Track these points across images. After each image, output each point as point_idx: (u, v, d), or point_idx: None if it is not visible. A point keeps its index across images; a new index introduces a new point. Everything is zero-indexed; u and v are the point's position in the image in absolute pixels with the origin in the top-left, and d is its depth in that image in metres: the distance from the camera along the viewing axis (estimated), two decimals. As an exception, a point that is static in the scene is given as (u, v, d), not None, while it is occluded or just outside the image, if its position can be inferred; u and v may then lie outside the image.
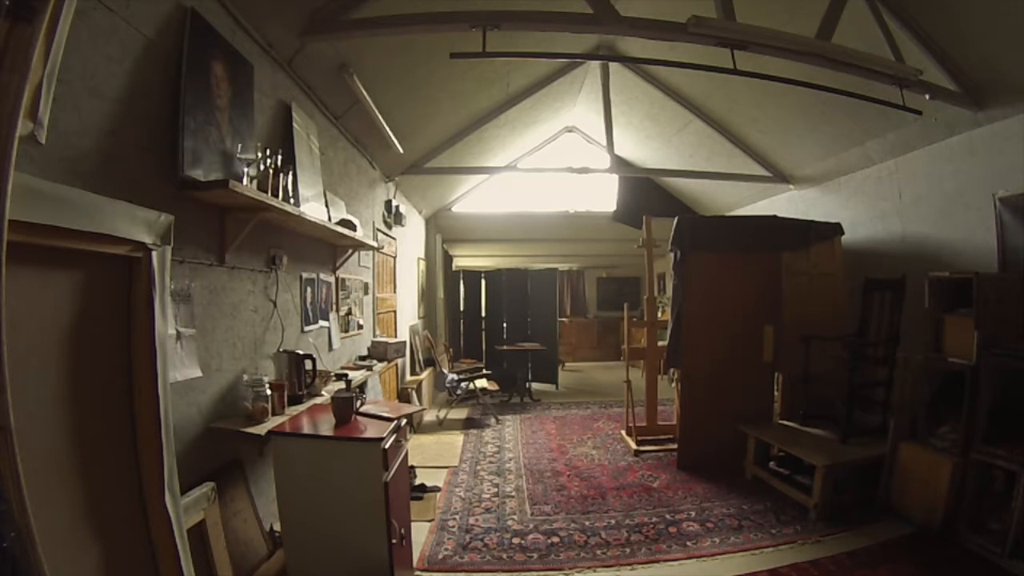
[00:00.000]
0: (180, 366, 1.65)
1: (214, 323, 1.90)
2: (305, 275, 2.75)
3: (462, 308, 7.61)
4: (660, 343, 4.24)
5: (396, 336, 4.99)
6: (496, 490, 3.37)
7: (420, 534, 2.67)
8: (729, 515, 2.91)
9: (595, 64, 4.81)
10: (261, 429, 1.86)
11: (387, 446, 1.90)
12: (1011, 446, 2.37)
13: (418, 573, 2.35)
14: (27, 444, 0.72)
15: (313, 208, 2.61)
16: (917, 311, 3.02)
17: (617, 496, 3.23)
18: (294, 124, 2.55)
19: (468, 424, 5.16)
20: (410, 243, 5.96)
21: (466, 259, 9.22)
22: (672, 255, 3.76)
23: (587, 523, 2.85)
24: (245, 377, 2.04)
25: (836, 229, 3.99)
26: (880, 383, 3.26)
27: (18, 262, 0.73)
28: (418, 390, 5.21)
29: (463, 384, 5.49)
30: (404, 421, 2.23)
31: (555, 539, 2.67)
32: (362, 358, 3.54)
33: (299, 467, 1.87)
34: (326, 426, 1.98)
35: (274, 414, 2.01)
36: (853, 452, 3.02)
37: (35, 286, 0.84)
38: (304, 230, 2.54)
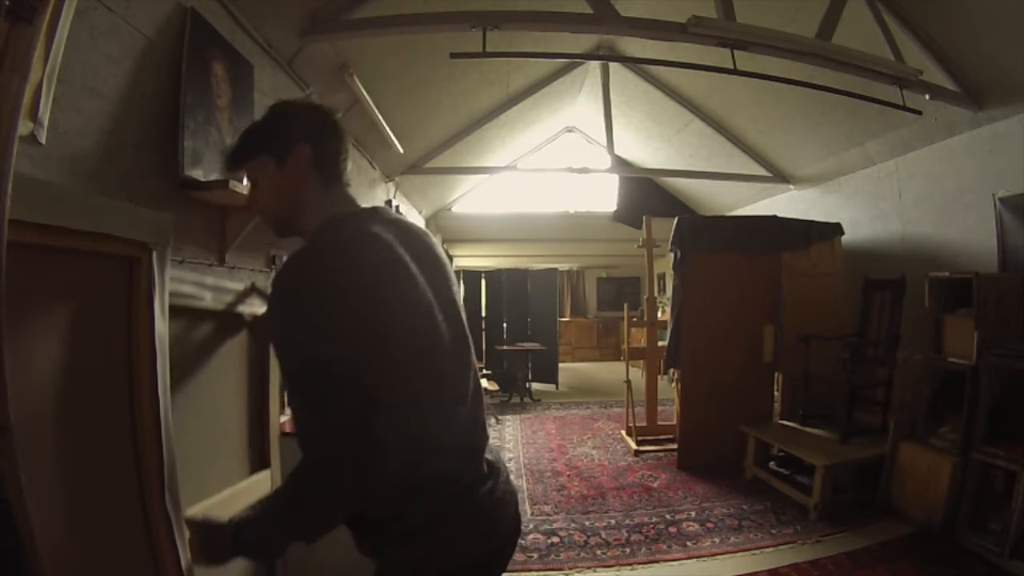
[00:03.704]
0: (180, 366, 1.64)
1: (214, 323, 1.89)
2: (305, 275, 2.74)
3: (462, 308, 7.60)
4: (660, 343, 4.24)
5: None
6: (496, 490, 3.37)
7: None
8: (729, 515, 2.91)
9: (595, 64, 4.82)
10: (261, 429, 1.86)
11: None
12: (1011, 446, 2.36)
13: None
14: (27, 444, 0.72)
15: (313, 208, 2.61)
16: (917, 311, 3.02)
17: (617, 496, 3.23)
18: (294, 124, 2.55)
19: (468, 424, 5.15)
20: (410, 243, 5.94)
21: (466, 259, 9.22)
22: (672, 255, 3.76)
23: (587, 523, 2.85)
24: (245, 377, 2.03)
25: (836, 229, 3.99)
26: (880, 383, 3.25)
27: (18, 262, 0.73)
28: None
29: (463, 384, 5.48)
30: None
31: (555, 539, 2.67)
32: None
33: (299, 467, 1.86)
34: (326, 426, 1.97)
35: (274, 414, 2.00)
36: (853, 452, 3.02)
37: (35, 286, 0.84)
38: (304, 230, 2.54)
